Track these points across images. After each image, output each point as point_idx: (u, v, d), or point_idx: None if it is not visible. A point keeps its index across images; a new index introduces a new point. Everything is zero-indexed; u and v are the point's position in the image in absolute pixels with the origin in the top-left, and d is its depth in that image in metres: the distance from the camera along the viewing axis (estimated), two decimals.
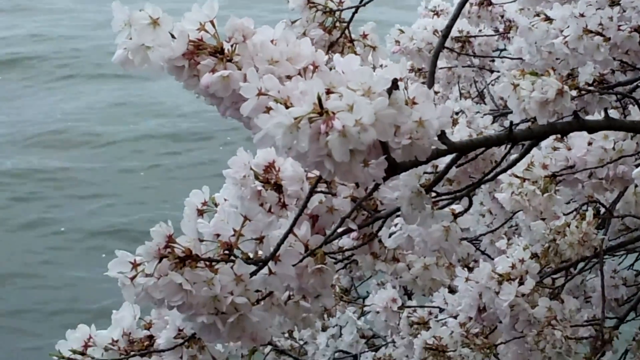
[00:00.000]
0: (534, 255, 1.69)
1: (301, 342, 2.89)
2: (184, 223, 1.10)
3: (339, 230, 1.26)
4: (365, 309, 2.13)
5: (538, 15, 1.85)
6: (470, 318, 1.72)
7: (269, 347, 2.89)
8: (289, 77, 1.10)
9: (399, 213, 1.27)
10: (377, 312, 2.08)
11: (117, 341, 1.27)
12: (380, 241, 1.44)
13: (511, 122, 1.20)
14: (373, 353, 2.47)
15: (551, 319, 1.54)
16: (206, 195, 1.27)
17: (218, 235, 1.16)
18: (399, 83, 1.01)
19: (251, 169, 1.25)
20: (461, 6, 1.64)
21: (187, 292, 1.05)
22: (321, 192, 1.27)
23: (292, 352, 2.91)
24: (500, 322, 1.64)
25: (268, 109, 1.00)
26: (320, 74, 1.08)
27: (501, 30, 2.54)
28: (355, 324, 2.42)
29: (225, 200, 1.26)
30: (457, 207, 1.39)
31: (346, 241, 1.50)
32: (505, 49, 2.60)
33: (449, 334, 1.74)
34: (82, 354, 1.29)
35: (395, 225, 1.46)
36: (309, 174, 1.27)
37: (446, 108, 1.08)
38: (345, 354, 2.61)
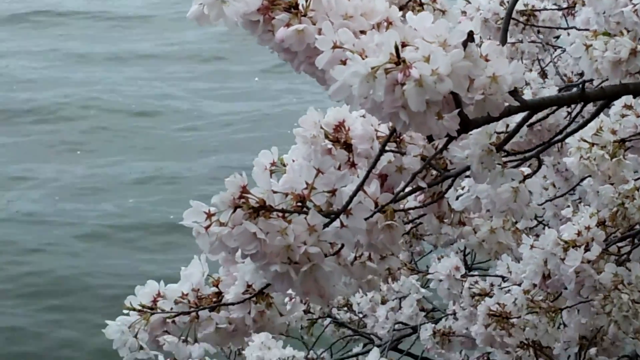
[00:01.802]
0: (601, 223, 1.68)
1: (360, 315, 2.90)
2: (256, 175, 1.11)
3: (408, 188, 1.27)
4: (429, 277, 2.14)
5: None
6: (535, 285, 1.72)
7: (328, 320, 2.91)
8: (363, 32, 1.10)
9: (468, 172, 1.28)
10: (440, 280, 2.09)
11: (186, 295, 1.29)
12: (447, 204, 1.45)
13: (583, 81, 1.20)
14: (433, 325, 2.47)
15: (617, 284, 1.54)
16: (275, 155, 1.28)
17: (286, 195, 1.17)
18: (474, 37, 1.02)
19: (321, 127, 1.26)
20: None
21: (260, 241, 1.06)
22: (391, 151, 1.28)
23: (352, 325, 2.92)
24: (565, 288, 1.64)
25: (343, 62, 1.01)
26: (394, 28, 1.09)
27: (565, 6, 2.52)
28: (418, 291, 2.42)
29: (293, 160, 1.27)
30: (526, 170, 1.39)
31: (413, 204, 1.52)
32: (568, 27, 2.58)
33: (512, 301, 1.74)
34: (151, 308, 1.31)
35: (463, 188, 1.46)
36: (378, 133, 1.28)
37: (519, 65, 1.09)
38: (404, 325, 2.62)
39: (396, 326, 2.61)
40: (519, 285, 1.78)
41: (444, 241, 2.76)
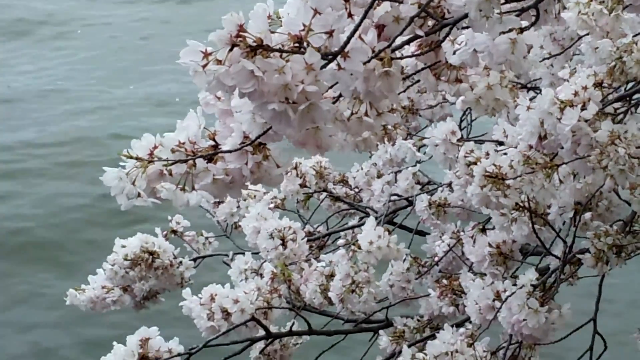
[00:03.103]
0: (598, 84, 1.68)
1: (356, 190, 2.91)
2: (254, 16, 1.10)
3: (406, 37, 1.26)
4: (425, 141, 2.14)
5: None
6: (531, 147, 1.72)
7: (324, 194, 2.93)
8: None
9: (466, 20, 1.27)
10: (436, 145, 2.09)
11: (183, 143, 1.29)
12: (444, 57, 1.44)
13: None
14: (428, 197, 2.49)
15: (614, 139, 1.54)
16: (270, 8, 1.27)
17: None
18: None
19: None
20: None
21: (258, 79, 1.06)
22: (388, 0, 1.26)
23: (347, 199, 2.94)
24: (562, 148, 1.64)
25: None
26: None
27: None
28: (414, 155, 2.43)
29: (288, 14, 1.26)
30: (524, 23, 1.38)
31: (410, 62, 1.51)
32: None
33: (508, 163, 1.75)
34: (150, 161, 1.31)
35: (460, 43, 1.45)
36: None
37: None
38: (399, 197, 2.63)
39: (392, 198, 2.62)
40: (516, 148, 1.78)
41: (439, 116, 2.77)
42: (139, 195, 1.26)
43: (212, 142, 1.36)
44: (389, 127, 2.24)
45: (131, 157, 1.27)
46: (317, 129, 1.30)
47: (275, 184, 1.36)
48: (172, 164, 1.26)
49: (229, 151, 1.26)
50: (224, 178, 1.32)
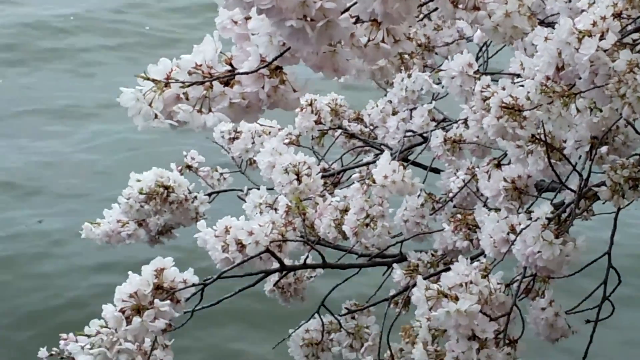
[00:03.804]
0: (617, 15, 1.67)
1: (371, 127, 2.91)
2: None
3: None
4: (441, 74, 2.13)
5: None
6: (548, 78, 1.71)
7: (339, 131, 2.92)
8: None
9: None
10: (453, 77, 2.08)
11: (200, 66, 1.29)
12: None
13: None
14: (444, 133, 2.48)
15: (632, 67, 1.53)
16: None
17: None
18: None
19: None
20: None
21: None
22: None
23: (362, 136, 2.94)
24: (579, 78, 1.63)
25: None
26: None
27: None
28: (430, 87, 2.42)
29: None
30: None
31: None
32: None
33: (525, 94, 1.74)
34: (167, 83, 1.31)
35: None
36: None
37: None
38: (414, 133, 2.62)
39: (407, 134, 2.61)
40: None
41: (455, 53, 2.75)
42: (155, 116, 1.26)
43: (229, 67, 1.36)
44: (406, 56, 2.23)
45: (148, 79, 1.27)
46: (334, 52, 1.30)
47: (291, 108, 1.36)
48: (189, 85, 1.26)
49: (246, 73, 1.26)
50: (240, 102, 1.32)
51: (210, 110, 1.28)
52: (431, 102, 2.65)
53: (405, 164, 2.33)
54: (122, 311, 1.79)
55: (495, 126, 1.75)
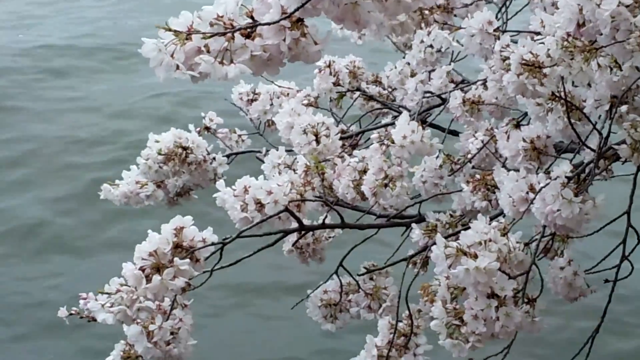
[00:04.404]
0: None
1: (389, 90, 2.90)
2: None
3: None
4: (460, 31, 2.12)
5: None
6: (569, 34, 1.70)
7: (357, 93, 2.92)
8: None
9: None
10: (472, 35, 2.07)
11: (221, 17, 1.28)
12: None
13: None
14: (462, 94, 2.47)
15: None
16: None
17: None
18: None
19: None
20: None
21: None
22: None
23: (380, 98, 2.93)
24: (600, 34, 1.63)
25: None
26: None
27: None
28: (450, 45, 2.40)
29: None
30: None
31: None
32: None
33: (545, 51, 1.73)
34: (188, 34, 1.31)
35: None
36: None
37: None
38: (432, 94, 2.62)
39: (425, 96, 2.61)
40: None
41: (474, 13, 2.74)
42: (177, 68, 1.26)
43: (250, 20, 1.36)
44: (426, 11, 2.22)
45: (169, 30, 1.27)
46: (355, 4, 1.29)
47: (313, 61, 1.36)
48: (211, 36, 1.26)
49: (267, 24, 1.25)
50: (261, 54, 1.32)
51: (232, 62, 1.28)
52: (450, 64, 2.64)
53: (423, 125, 2.33)
54: (142, 269, 1.80)
55: (515, 83, 1.75)
